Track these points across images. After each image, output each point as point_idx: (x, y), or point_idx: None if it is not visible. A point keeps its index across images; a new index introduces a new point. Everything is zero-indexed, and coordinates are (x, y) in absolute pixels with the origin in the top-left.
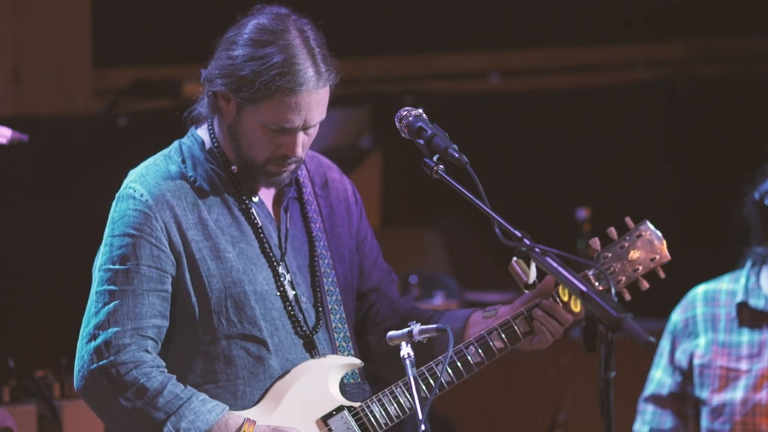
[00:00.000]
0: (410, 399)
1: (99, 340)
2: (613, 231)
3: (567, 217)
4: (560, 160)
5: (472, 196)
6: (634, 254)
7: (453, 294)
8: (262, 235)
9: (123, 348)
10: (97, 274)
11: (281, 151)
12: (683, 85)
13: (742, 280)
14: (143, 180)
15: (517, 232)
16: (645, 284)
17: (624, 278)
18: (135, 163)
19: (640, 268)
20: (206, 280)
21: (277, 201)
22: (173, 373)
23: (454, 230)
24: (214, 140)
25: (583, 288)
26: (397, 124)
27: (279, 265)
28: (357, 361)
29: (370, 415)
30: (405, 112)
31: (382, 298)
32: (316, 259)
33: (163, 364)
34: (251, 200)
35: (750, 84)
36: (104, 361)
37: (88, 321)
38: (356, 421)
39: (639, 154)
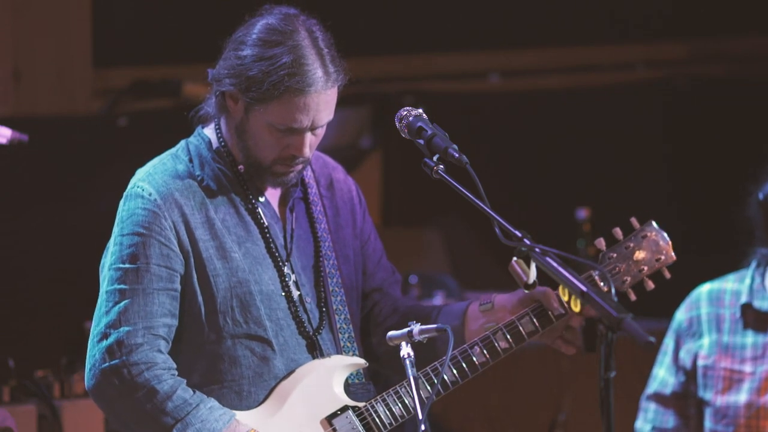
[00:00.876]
0: (412, 401)
1: (111, 339)
2: (618, 231)
3: (567, 217)
4: (560, 160)
5: (472, 196)
6: (639, 255)
7: (453, 294)
8: (268, 235)
9: (135, 348)
10: (106, 273)
11: (288, 152)
12: (683, 85)
13: (747, 281)
14: (151, 179)
15: (517, 232)
16: (650, 284)
17: (629, 278)
18: (135, 163)
19: (646, 268)
20: (212, 279)
21: (282, 201)
22: (179, 372)
23: (454, 230)
24: (221, 140)
25: (583, 288)
26: (397, 124)
27: (284, 265)
28: (361, 361)
29: (374, 415)
30: (405, 112)
31: (385, 298)
32: (321, 259)
33: (174, 365)
34: (258, 200)
35: (750, 84)
36: (116, 361)
37: (99, 320)
38: (361, 421)
39: (639, 154)
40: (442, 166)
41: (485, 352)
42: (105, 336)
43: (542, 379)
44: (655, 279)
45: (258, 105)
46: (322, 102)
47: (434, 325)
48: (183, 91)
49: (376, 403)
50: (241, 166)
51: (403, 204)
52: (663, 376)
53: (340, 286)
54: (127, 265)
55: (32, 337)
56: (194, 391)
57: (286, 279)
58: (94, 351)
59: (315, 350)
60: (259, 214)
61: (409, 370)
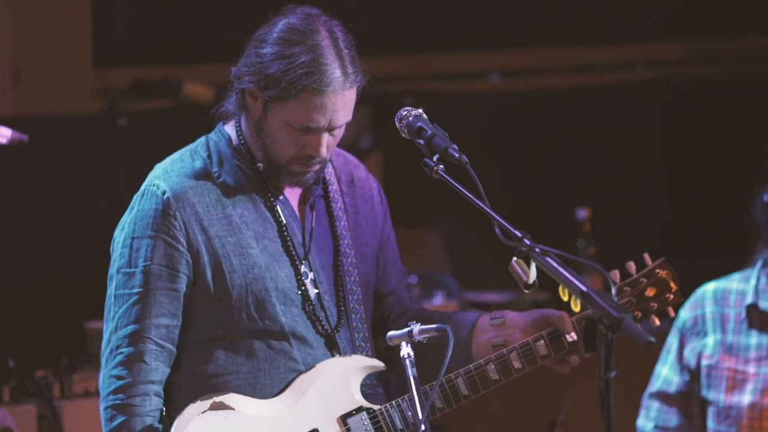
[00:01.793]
0: (428, 408)
1: (109, 346)
2: (632, 265)
3: (567, 217)
4: (560, 160)
5: (472, 196)
6: (650, 291)
7: (453, 294)
8: (285, 233)
9: (117, 356)
10: (114, 275)
11: (305, 151)
12: (683, 85)
13: (753, 281)
14: (167, 176)
15: (517, 232)
16: (656, 321)
17: (640, 314)
18: (135, 163)
19: (655, 305)
20: (228, 276)
21: (303, 199)
22: (194, 365)
23: (454, 230)
24: (240, 137)
25: (583, 288)
26: (397, 124)
27: (302, 263)
28: (380, 364)
29: (388, 419)
30: (405, 112)
31: (397, 302)
32: (339, 257)
33: (151, 378)
34: (276, 198)
35: (750, 84)
36: (106, 369)
37: (106, 325)
38: (374, 423)
39: (639, 154)
40: (442, 166)
41: (499, 369)
42: (108, 342)
43: (542, 379)
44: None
45: (276, 103)
46: (340, 102)
47: (434, 326)
48: (183, 91)
49: (391, 408)
50: (260, 164)
51: (403, 204)
52: (667, 375)
53: (357, 285)
54: (132, 269)
55: (32, 337)
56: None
57: (303, 277)
58: (102, 354)
59: (332, 348)
60: (278, 212)
61: (409, 370)
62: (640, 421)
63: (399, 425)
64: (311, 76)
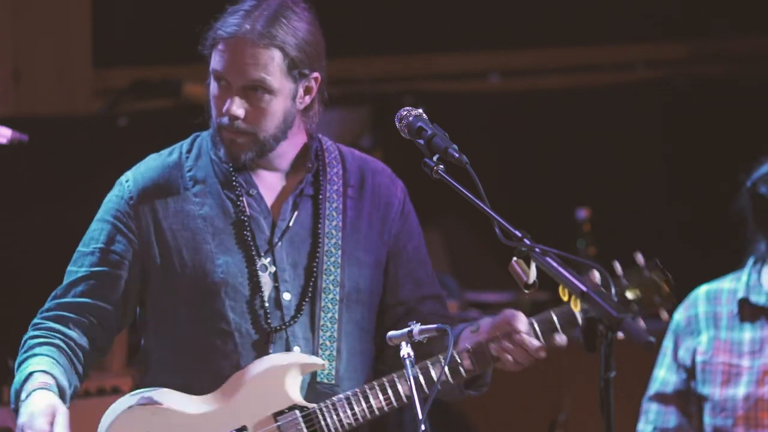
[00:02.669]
0: (366, 409)
1: (44, 306)
2: (617, 266)
3: (567, 217)
4: (560, 160)
5: (472, 196)
6: (632, 294)
7: (453, 294)
8: (245, 228)
9: (45, 313)
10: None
11: (222, 110)
12: (683, 85)
13: (744, 278)
14: (137, 168)
15: (517, 232)
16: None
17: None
18: (135, 163)
19: (636, 308)
20: (178, 269)
21: (283, 197)
22: (154, 353)
23: (454, 230)
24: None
25: (583, 288)
26: (397, 124)
27: (262, 257)
28: (319, 362)
29: (320, 419)
30: (405, 112)
31: (410, 314)
32: (318, 255)
33: (73, 336)
34: (247, 193)
35: (750, 84)
36: (33, 320)
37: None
38: (306, 422)
39: (639, 154)
40: (442, 166)
41: (448, 371)
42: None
43: (542, 379)
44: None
45: (209, 58)
46: (248, 54)
47: (434, 326)
48: (183, 91)
49: (325, 408)
50: None
51: None
52: (664, 376)
53: (336, 284)
54: (83, 248)
55: None
56: (45, 347)
57: (260, 270)
58: None
59: (282, 345)
60: (243, 208)
61: (409, 370)
62: (640, 426)
63: (332, 426)
64: (228, 24)
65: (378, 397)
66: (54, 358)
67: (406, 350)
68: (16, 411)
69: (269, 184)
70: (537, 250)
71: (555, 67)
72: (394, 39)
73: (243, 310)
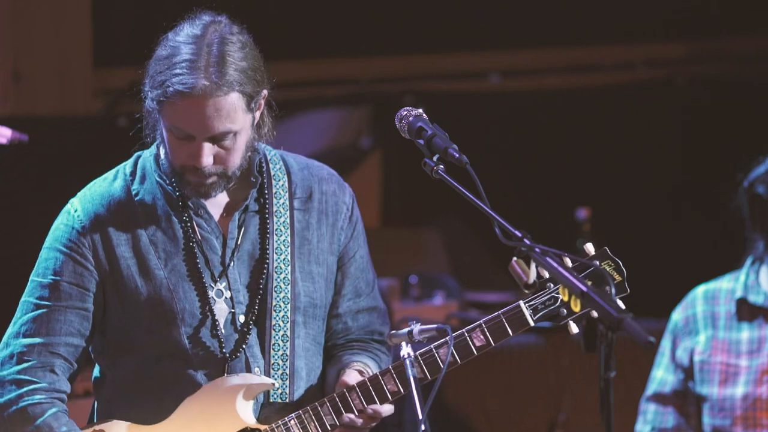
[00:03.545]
0: (318, 425)
1: (7, 350)
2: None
3: (567, 217)
4: (560, 160)
5: (472, 196)
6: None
7: (453, 294)
8: (197, 251)
9: (24, 363)
10: (28, 283)
11: (191, 161)
12: (683, 86)
13: (742, 278)
14: (83, 196)
15: (517, 232)
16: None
17: (566, 311)
18: None
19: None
20: (134, 297)
21: (228, 213)
22: (107, 387)
23: (454, 230)
24: (165, 152)
25: (583, 288)
26: (397, 124)
27: (217, 281)
28: (268, 382)
29: None
30: (405, 112)
31: (344, 330)
32: (266, 272)
33: (64, 388)
34: (196, 214)
35: (750, 84)
36: (3, 373)
37: (9, 328)
38: None
39: (639, 154)
40: (442, 166)
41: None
42: (6, 345)
43: (542, 379)
44: (649, 280)
45: (160, 106)
46: (211, 108)
47: (434, 325)
48: None
49: (277, 427)
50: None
51: (403, 204)
52: (662, 376)
53: (287, 302)
54: (40, 279)
55: None
56: (65, 420)
57: (216, 296)
58: None
59: (237, 368)
60: (193, 229)
61: (409, 370)
62: (638, 427)
63: None
64: (179, 76)
65: (330, 414)
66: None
67: (406, 350)
68: None
69: (215, 201)
70: (537, 250)
71: (555, 67)
72: (394, 39)
73: (198, 337)
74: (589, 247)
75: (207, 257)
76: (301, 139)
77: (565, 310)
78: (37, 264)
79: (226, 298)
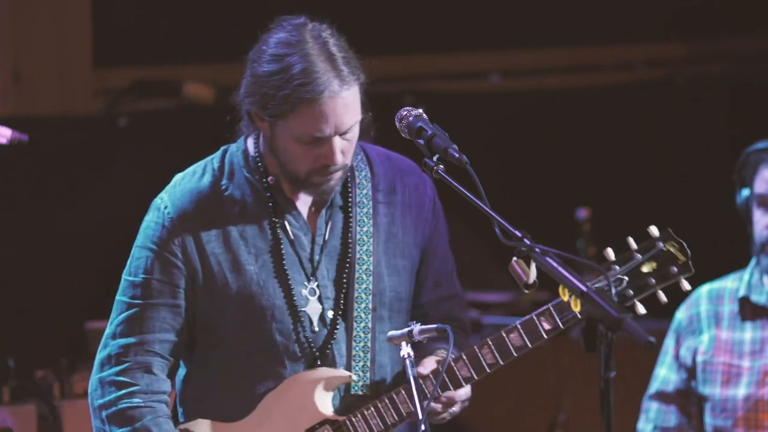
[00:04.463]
0: (394, 413)
1: (106, 350)
2: (631, 241)
3: (567, 217)
4: (560, 160)
5: (472, 196)
6: (647, 267)
7: None
8: (287, 249)
9: (122, 364)
10: (121, 282)
11: (321, 162)
12: (683, 86)
13: (746, 277)
14: (172, 191)
15: (517, 232)
16: (663, 298)
17: (633, 291)
18: (135, 163)
19: (654, 281)
20: (223, 293)
21: (317, 210)
22: (193, 385)
23: (454, 230)
24: (257, 150)
25: (583, 288)
26: (397, 124)
27: (309, 280)
28: (345, 374)
29: (351, 430)
30: (405, 112)
31: (425, 319)
32: (348, 264)
33: (161, 389)
34: (286, 211)
35: (750, 84)
36: (104, 374)
37: (107, 327)
38: None
39: (639, 154)
40: (442, 166)
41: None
42: (104, 346)
43: (542, 379)
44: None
45: (279, 120)
46: (340, 106)
47: (434, 325)
48: (183, 91)
49: (354, 417)
50: (271, 177)
51: None
52: (665, 375)
53: (368, 293)
54: (131, 278)
55: (32, 337)
56: (164, 421)
57: (307, 295)
58: (96, 359)
59: (325, 363)
60: (283, 226)
61: (409, 370)
62: (640, 425)
63: None
64: (305, 86)
65: (406, 402)
66: None
67: (406, 350)
68: None
69: (302, 197)
70: (537, 250)
71: (555, 67)
72: (394, 39)
73: (289, 332)
74: (653, 230)
75: (299, 256)
76: None
77: (631, 291)
78: (128, 262)
79: (317, 296)
